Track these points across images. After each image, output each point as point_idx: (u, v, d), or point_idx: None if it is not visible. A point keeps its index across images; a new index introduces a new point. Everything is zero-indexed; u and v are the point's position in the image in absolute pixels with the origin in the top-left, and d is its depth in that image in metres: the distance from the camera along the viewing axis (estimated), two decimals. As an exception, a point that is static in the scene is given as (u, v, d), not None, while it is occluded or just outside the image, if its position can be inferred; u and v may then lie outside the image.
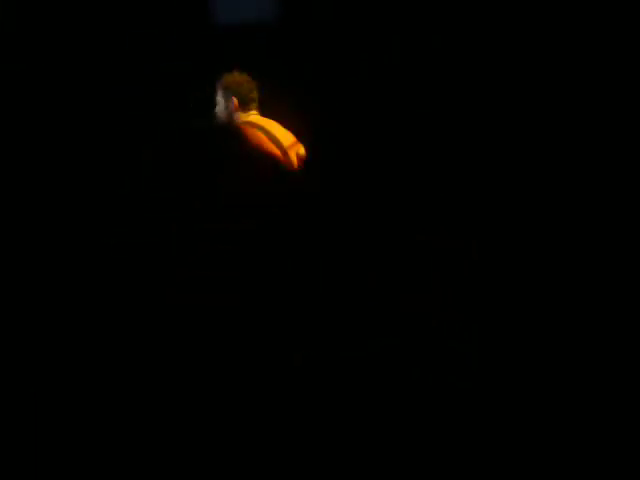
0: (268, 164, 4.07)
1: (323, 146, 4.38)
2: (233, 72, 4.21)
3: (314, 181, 4.25)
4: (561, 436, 3.58)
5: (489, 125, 4.45)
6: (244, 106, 4.18)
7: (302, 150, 4.22)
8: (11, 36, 4.78)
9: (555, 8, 4.21)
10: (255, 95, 4.19)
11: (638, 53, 4.05)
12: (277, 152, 4.10)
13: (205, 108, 4.26)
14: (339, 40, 4.62)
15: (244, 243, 4.02)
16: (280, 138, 4.14)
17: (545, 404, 3.72)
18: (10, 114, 4.71)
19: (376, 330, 4.02)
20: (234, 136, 4.13)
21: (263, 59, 4.55)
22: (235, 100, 4.17)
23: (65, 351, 3.98)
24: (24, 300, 4.15)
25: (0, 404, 3.79)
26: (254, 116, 4.20)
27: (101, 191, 4.56)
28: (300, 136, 4.22)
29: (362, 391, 3.83)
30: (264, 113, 4.23)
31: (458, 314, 4.04)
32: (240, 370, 3.89)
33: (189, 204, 4.20)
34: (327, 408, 3.78)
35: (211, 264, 4.02)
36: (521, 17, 4.29)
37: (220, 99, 4.21)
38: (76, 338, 4.03)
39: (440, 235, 4.25)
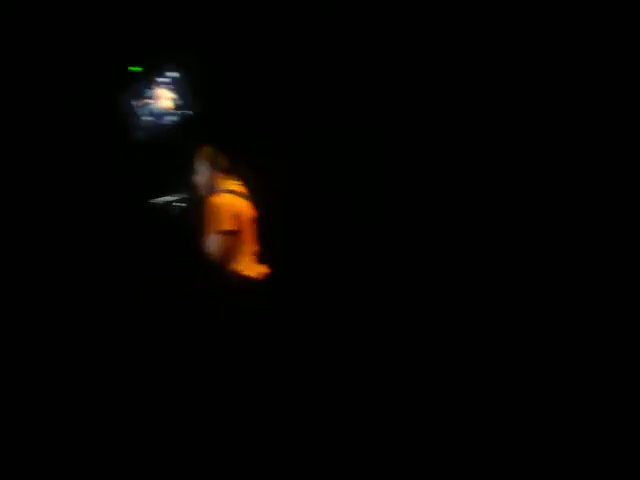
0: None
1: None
2: (205, 146, 4.56)
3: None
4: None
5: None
6: (224, 174, 4.55)
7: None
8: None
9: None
10: (228, 165, 4.58)
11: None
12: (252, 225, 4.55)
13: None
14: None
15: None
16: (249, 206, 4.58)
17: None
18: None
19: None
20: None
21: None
22: (217, 168, 4.53)
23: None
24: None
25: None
26: (231, 183, 4.56)
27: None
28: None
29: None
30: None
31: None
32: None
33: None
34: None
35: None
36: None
37: (201, 168, 4.53)
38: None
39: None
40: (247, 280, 4.43)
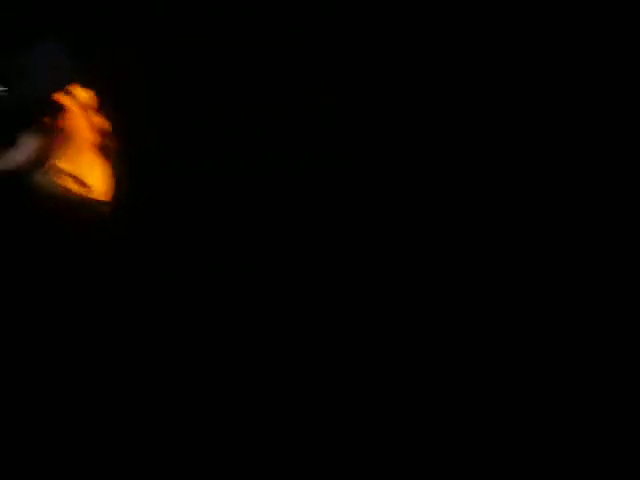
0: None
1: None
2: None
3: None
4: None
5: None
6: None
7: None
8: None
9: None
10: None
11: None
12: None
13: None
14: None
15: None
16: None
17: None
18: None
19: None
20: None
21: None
22: None
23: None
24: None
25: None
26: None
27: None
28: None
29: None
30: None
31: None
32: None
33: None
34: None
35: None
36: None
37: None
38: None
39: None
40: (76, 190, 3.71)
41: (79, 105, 3.81)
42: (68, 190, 3.68)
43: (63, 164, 3.70)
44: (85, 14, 4.33)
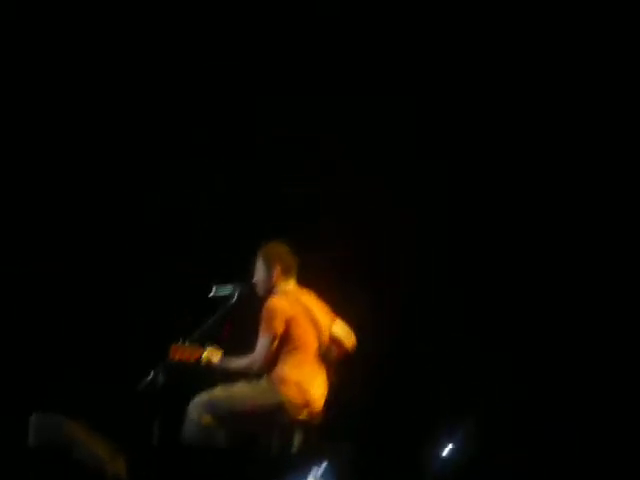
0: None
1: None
2: (272, 243, 4.30)
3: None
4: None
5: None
6: (285, 275, 4.23)
7: (339, 328, 4.28)
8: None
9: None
10: (295, 267, 4.29)
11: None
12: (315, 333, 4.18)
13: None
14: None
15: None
16: (317, 315, 4.23)
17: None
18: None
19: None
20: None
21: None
22: (279, 268, 4.20)
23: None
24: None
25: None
26: (293, 286, 4.26)
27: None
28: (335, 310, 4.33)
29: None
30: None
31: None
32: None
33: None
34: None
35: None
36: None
37: (261, 267, 4.24)
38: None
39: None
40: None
41: (305, 311, 4.16)
42: (290, 398, 4.01)
43: (288, 372, 4.05)
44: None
